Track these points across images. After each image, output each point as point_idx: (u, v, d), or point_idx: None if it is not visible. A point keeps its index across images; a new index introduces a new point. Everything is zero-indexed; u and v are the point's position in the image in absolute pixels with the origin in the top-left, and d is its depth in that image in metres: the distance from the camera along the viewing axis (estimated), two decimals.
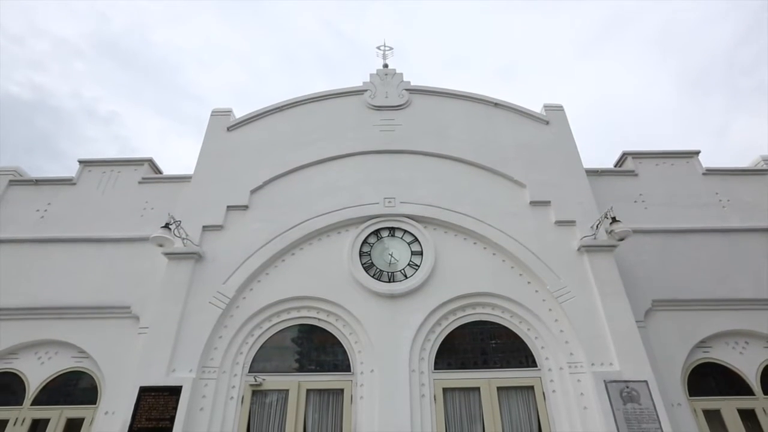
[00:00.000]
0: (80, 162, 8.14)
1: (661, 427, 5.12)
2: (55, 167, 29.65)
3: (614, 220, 6.18)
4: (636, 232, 6.64)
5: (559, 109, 8.11)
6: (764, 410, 5.92)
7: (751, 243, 7.19)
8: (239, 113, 8.12)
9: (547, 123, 7.91)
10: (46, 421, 5.85)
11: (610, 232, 6.27)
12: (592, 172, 7.71)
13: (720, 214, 7.54)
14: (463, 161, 7.37)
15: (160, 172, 8.36)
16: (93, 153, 31.66)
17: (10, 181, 7.89)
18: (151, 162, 8.18)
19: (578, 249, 6.40)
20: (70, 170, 8.15)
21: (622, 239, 6.21)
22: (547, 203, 6.87)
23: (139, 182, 7.83)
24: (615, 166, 8.50)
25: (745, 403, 5.99)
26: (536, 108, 8.23)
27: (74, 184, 7.86)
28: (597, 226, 6.40)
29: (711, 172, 8.03)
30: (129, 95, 33.63)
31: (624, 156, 8.37)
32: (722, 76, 30.06)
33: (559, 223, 6.69)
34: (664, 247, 7.08)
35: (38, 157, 29.24)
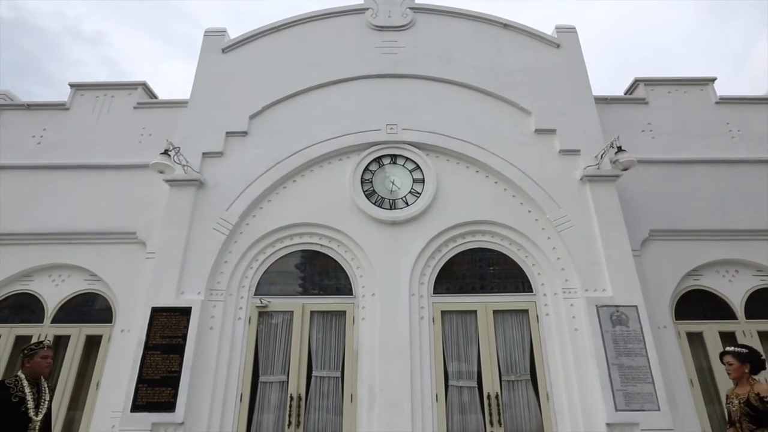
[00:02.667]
0: (71, 86, 7.85)
1: (645, 347, 5.45)
2: (45, 92, 28.75)
3: (620, 149, 6.08)
4: (640, 162, 6.56)
5: (572, 30, 7.66)
6: (744, 332, 6.25)
7: (755, 174, 7.13)
8: (234, 34, 7.70)
9: (558, 46, 7.51)
10: (67, 338, 6.22)
11: (614, 162, 6.20)
12: (601, 100, 7.45)
13: (728, 145, 7.40)
14: (468, 87, 7.11)
15: (155, 97, 8.10)
16: (83, 76, 30.56)
17: (1, 105, 7.67)
18: (145, 86, 7.90)
19: (581, 179, 6.38)
20: (61, 95, 7.91)
21: (626, 169, 6.15)
22: (552, 131, 6.73)
23: (135, 107, 7.62)
24: (626, 93, 8.20)
25: (727, 326, 6.30)
26: (547, 31, 7.77)
27: (67, 109, 7.65)
28: (601, 156, 6.32)
29: (724, 100, 7.74)
30: (114, 13, 31.71)
31: (636, 83, 8.04)
32: None
33: (563, 152, 6.59)
34: (667, 177, 7.04)
35: (26, 80, 28.24)
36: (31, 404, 3.53)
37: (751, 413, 3.53)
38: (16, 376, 3.62)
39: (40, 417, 3.59)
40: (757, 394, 3.52)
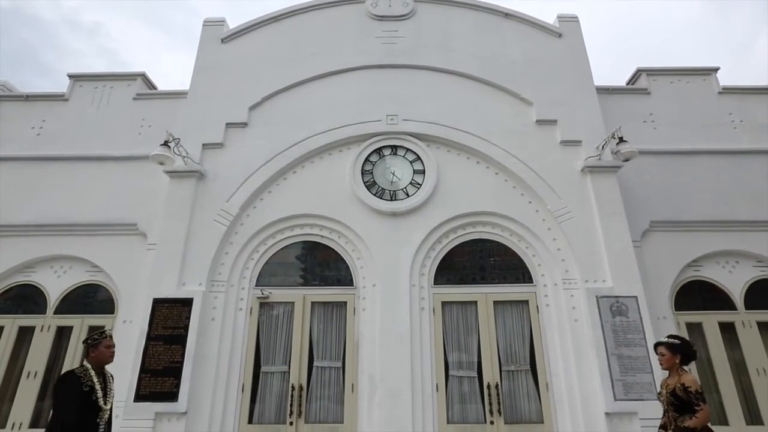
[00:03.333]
0: (70, 77, 7.81)
1: (644, 338, 5.47)
2: (44, 82, 28.60)
3: (621, 140, 6.06)
4: (642, 153, 6.52)
5: (574, 20, 7.58)
6: (743, 323, 6.27)
7: (756, 164, 7.10)
8: (233, 24, 7.64)
9: (560, 36, 7.44)
10: (70, 329, 6.26)
11: (615, 153, 6.18)
12: (603, 90, 7.40)
13: (730, 135, 7.36)
14: (469, 77, 7.06)
15: (154, 88, 8.06)
16: (81, 67, 30.38)
17: (0, 96, 7.64)
18: (144, 77, 7.86)
19: (582, 169, 6.36)
20: (59, 86, 7.88)
21: (627, 160, 6.13)
22: (553, 122, 6.70)
23: (134, 98, 7.58)
24: (628, 83, 8.15)
25: (726, 316, 6.32)
26: (549, 20, 7.70)
27: (66, 100, 7.61)
28: (603, 147, 6.30)
29: (727, 90, 7.69)
30: (112, 4, 31.44)
31: (638, 72, 7.98)
32: None
33: (564, 142, 6.57)
34: (668, 168, 7.01)
35: (24, 71, 28.09)
36: (100, 393, 3.54)
37: (675, 403, 3.60)
38: (83, 365, 3.61)
39: (109, 406, 3.61)
40: (682, 384, 3.57)
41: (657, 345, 3.86)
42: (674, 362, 3.71)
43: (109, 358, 3.70)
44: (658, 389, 3.92)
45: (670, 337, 3.89)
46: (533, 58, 7.23)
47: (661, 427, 3.79)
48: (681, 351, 3.72)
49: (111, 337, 3.77)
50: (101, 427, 3.50)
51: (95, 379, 3.54)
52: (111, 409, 3.66)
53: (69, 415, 3.31)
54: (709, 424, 3.56)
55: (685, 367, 3.74)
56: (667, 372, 3.84)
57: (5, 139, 7.29)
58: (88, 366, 3.59)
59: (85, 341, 3.73)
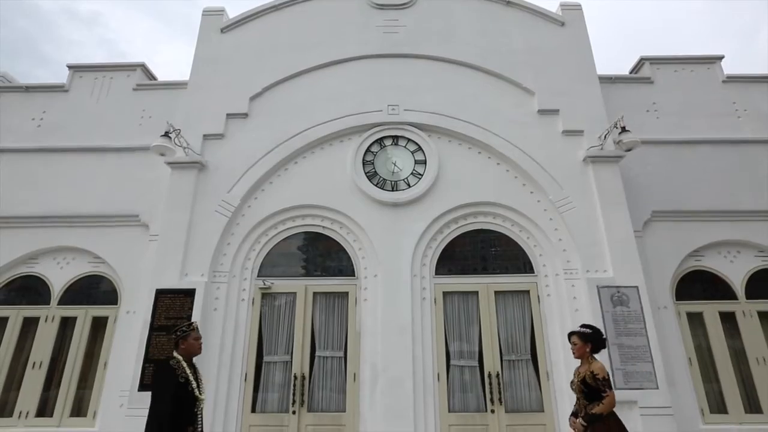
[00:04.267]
0: (70, 67, 7.77)
1: (645, 327, 5.50)
2: (43, 73, 28.47)
3: (623, 129, 6.02)
4: (644, 142, 6.48)
5: (577, 8, 7.49)
6: (743, 312, 6.29)
7: (759, 154, 7.06)
8: (233, 13, 7.57)
9: (562, 24, 7.36)
10: (74, 319, 6.31)
11: (617, 143, 6.15)
12: (606, 79, 7.34)
13: (733, 125, 7.31)
14: (471, 66, 7.01)
15: (154, 78, 8.02)
16: (80, 58, 30.23)
17: (0, 87, 7.62)
18: (143, 67, 7.81)
19: (583, 159, 6.34)
20: (59, 77, 7.85)
21: (629, 150, 6.11)
22: (555, 112, 6.66)
23: (134, 89, 7.55)
24: (631, 72, 8.07)
25: (726, 306, 6.34)
26: (551, 8, 7.60)
27: (66, 91, 7.58)
28: (605, 137, 6.27)
29: (731, 79, 7.62)
30: None
31: (641, 61, 7.90)
32: None
33: (566, 132, 6.53)
34: (671, 157, 6.98)
35: (23, 61, 27.94)
36: (194, 384, 3.56)
37: (585, 390, 3.69)
38: (175, 357, 3.62)
39: (203, 396, 3.64)
40: (592, 372, 3.66)
41: (570, 334, 3.97)
42: (585, 351, 3.81)
43: (198, 349, 3.72)
44: (571, 378, 4.00)
45: (582, 326, 3.98)
46: (535, 47, 7.16)
47: (573, 414, 3.90)
48: (591, 340, 3.82)
49: (198, 328, 3.79)
50: (199, 416, 3.54)
51: (188, 371, 3.57)
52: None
53: (163, 404, 3.33)
54: (615, 410, 3.65)
55: (595, 356, 3.84)
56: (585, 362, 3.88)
57: (6, 130, 7.29)
58: (179, 357, 3.60)
59: (173, 333, 3.74)
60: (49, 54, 28.81)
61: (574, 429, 3.79)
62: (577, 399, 3.85)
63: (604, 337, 3.93)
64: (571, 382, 3.94)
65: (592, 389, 3.64)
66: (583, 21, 7.40)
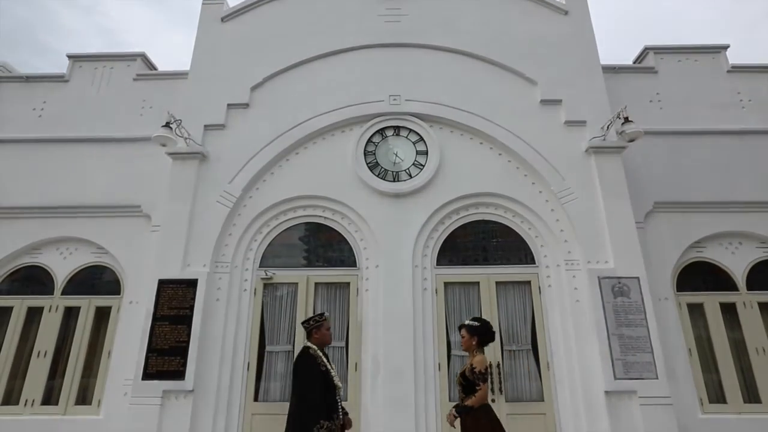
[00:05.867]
0: (69, 57, 7.73)
1: (645, 318, 5.52)
2: (42, 62, 28.30)
3: (626, 120, 5.98)
4: (648, 133, 6.43)
5: None
6: (744, 304, 6.30)
7: (763, 145, 7.01)
8: (233, 2, 7.51)
9: (566, 13, 7.26)
10: (77, 309, 6.35)
11: (620, 133, 6.11)
12: (609, 69, 7.27)
13: (738, 115, 7.25)
14: (473, 56, 6.94)
15: (154, 68, 7.98)
16: (79, 47, 30.02)
17: (0, 77, 7.59)
18: (143, 57, 7.77)
19: (586, 150, 6.30)
20: (58, 66, 7.82)
21: (632, 140, 6.06)
22: (558, 102, 6.61)
23: (134, 79, 7.51)
24: (635, 61, 7.99)
25: (727, 297, 6.35)
26: None
27: (66, 81, 7.55)
28: (608, 127, 6.22)
29: (736, 69, 7.53)
30: None
31: (645, 51, 7.81)
32: None
33: (569, 123, 6.49)
34: (674, 148, 6.94)
35: (22, 51, 27.77)
36: (333, 372, 3.63)
37: (463, 383, 3.70)
38: (312, 347, 3.65)
39: (341, 385, 3.71)
40: (470, 365, 3.67)
41: (459, 327, 4.00)
42: (471, 344, 3.81)
43: (329, 339, 3.83)
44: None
45: (472, 319, 4.02)
46: (538, 37, 7.08)
47: (455, 407, 3.91)
48: (478, 333, 3.82)
49: (328, 319, 3.87)
50: (340, 404, 3.60)
51: (325, 360, 3.63)
52: None
53: (315, 393, 3.40)
54: (489, 402, 3.70)
55: (482, 349, 3.85)
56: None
57: (7, 121, 7.28)
58: (315, 347, 3.64)
59: (306, 323, 3.80)
60: (48, 43, 28.62)
61: (447, 420, 3.84)
62: (459, 392, 3.88)
63: (493, 331, 3.93)
64: (456, 375, 3.98)
65: (469, 382, 3.63)
66: (587, 10, 7.30)
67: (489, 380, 3.72)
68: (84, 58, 7.73)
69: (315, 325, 3.73)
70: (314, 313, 5.61)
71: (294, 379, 3.59)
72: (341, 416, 3.61)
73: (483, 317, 4.60)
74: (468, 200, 6.30)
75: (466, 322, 4.02)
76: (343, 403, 3.80)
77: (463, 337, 3.87)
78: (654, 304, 5.71)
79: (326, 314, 3.90)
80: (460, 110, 6.57)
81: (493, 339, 3.92)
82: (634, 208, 6.06)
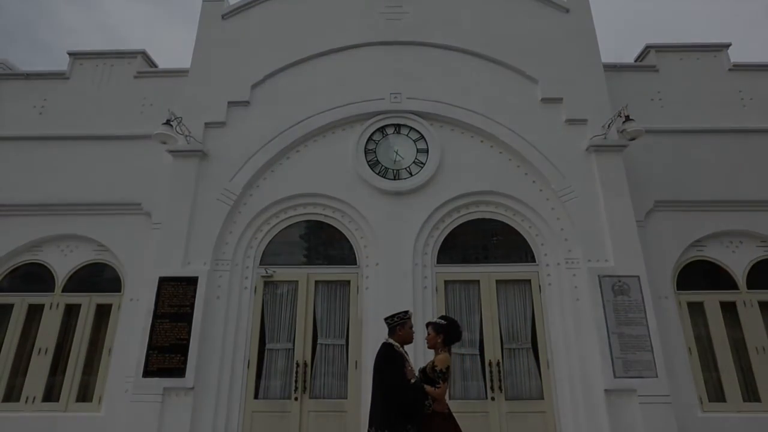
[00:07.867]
0: (70, 54, 7.73)
1: (645, 317, 5.52)
2: (41, 60, 28.27)
3: (627, 118, 5.97)
4: (648, 131, 6.41)
5: None
6: (744, 302, 6.30)
7: (764, 143, 6.99)
8: None
9: (567, 11, 7.24)
10: (78, 307, 6.36)
11: (621, 132, 6.10)
12: (610, 67, 7.25)
13: (739, 114, 7.23)
14: (474, 54, 6.92)
15: (155, 66, 7.97)
16: (79, 44, 29.92)
17: (0, 74, 7.59)
18: (144, 54, 7.76)
19: (587, 149, 6.30)
20: (58, 63, 7.81)
21: (633, 139, 6.06)
22: (559, 100, 6.59)
23: (135, 76, 7.50)
24: (636, 60, 7.97)
25: (727, 296, 6.34)
26: None
27: (67, 78, 7.55)
28: (609, 126, 6.21)
29: (738, 67, 7.51)
30: None
31: (647, 49, 7.79)
32: None
33: (569, 121, 6.48)
34: (675, 147, 6.92)
35: (21, 48, 27.74)
36: (416, 371, 3.64)
37: (424, 380, 3.64)
38: (394, 343, 3.65)
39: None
40: (432, 363, 3.63)
41: (426, 324, 3.97)
42: (437, 342, 3.74)
43: (411, 338, 3.79)
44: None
45: (440, 317, 4.00)
46: (539, 34, 7.06)
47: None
48: (444, 331, 3.75)
49: (411, 317, 3.86)
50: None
51: (407, 357, 3.64)
52: None
53: (410, 382, 3.45)
54: (446, 400, 3.65)
55: (448, 348, 3.78)
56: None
57: (7, 118, 7.27)
58: (398, 344, 3.64)
59: (390, 319, 3.77)
60: (48, 40, 28.60)
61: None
62: None
63: (460, 330, 3.87)
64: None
65: (430, 380, 3.58)
66: (588, 8, 7.28)
67: (450, 381, 3.65)
68: (84, 56, 7.73)
69: (399, 323, 3.71)
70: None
71: (377, 374, 3.57)
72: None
73: (451, 316, 4.56)
74: (468, 198, 6.29)
75: (433, 320, 4.01)
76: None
77: (429, 335, 3.81)
78: (654, 303, 5.71)
79: (410, 312, 3.90)
80: (460, 108, 6.56)
81: (459, 339, 3.85)
82: (634, 207, 6.06)
